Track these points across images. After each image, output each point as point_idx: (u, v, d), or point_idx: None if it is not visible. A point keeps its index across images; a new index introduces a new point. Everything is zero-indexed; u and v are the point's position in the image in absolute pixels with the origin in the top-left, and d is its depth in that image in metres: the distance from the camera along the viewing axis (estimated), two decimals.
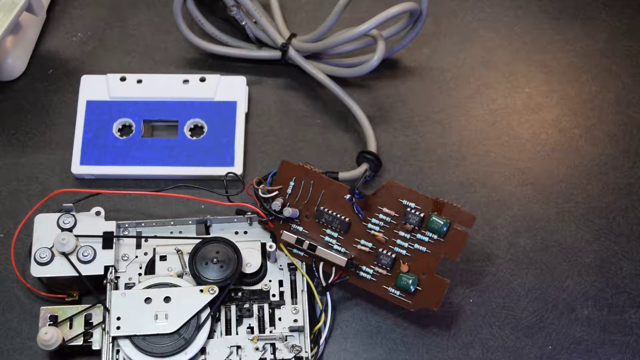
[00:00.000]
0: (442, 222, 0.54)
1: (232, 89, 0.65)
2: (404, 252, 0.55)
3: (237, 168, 0.62)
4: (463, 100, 0.66)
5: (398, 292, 0.56)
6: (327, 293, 0.56)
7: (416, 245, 0.55)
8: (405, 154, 0.64)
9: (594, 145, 0.64)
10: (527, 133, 0.65)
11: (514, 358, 0.57)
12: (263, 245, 0.58)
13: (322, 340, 0.56)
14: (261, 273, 0.57)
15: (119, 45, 0.68)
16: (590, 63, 0.67)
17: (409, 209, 0.55)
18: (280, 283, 0.57)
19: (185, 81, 0.65)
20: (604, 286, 0.59)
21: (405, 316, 0.58)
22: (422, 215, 0.55)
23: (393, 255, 0.55)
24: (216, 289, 0.55)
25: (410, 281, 0.55)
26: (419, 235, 0.55)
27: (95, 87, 0.65)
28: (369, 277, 0.56)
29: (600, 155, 0.64)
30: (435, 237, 0.55)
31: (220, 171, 0.61)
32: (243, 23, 0.66)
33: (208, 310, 0.55)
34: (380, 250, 0.56)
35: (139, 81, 0.65)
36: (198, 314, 0.55)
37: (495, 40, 0.69)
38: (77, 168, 0.62)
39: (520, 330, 0.58)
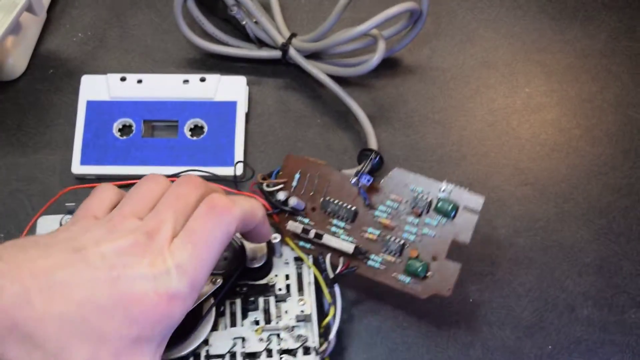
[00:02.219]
0: (450, 204, 0.54)
1: (232, 89, 0.65)
2: (412, 237, 0.55)
3: (237, 168, 0.62)
4: (463, 100, 0.66)
5: (408, 279, 0.55)
6: (336, 285, 0.55)
7: (425, 230, 0.55)
8: (405, 154, 0.64)
9: (594, 145, 0.64)
10: (527, 133, 0.65)
11: (514, 358, 0.57)
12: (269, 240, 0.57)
13: (331, 336, 0.54)
14: (267, 268, 0.57)
15: (119, 45, 0.68)
16: (590, 63, 0.68)
17: (416, 195, 0.55)
18: (287, 277, 0.56)
19: (185, 81, 0.65)
20: (604, 286, 0.59)
21: (405, 316, 0.58)
22: (429, 200, 0.55)
23: (401, 242, 0.55)
24: (220, 280, 0.54)
25: (420, 266, 0.54)
26: (427, 220, 0.55)
27: (95, 87, 0.65)
28: (377, 265, 0.55)
29: (600, 155, 0.64)
30: (445, 220, 0.55)
31: (220, 171, 0.61)
32: (243, 23, 0.66)
33: (212, 301, 0.54)
34: (388, 237, 0.55)
35: (139, 81, 0.65)
36: (201, 305, 0.54)
37: (495, 40, 0.69)
38: (77, 168, 0.62)
39: (520, 330, 0.58)
